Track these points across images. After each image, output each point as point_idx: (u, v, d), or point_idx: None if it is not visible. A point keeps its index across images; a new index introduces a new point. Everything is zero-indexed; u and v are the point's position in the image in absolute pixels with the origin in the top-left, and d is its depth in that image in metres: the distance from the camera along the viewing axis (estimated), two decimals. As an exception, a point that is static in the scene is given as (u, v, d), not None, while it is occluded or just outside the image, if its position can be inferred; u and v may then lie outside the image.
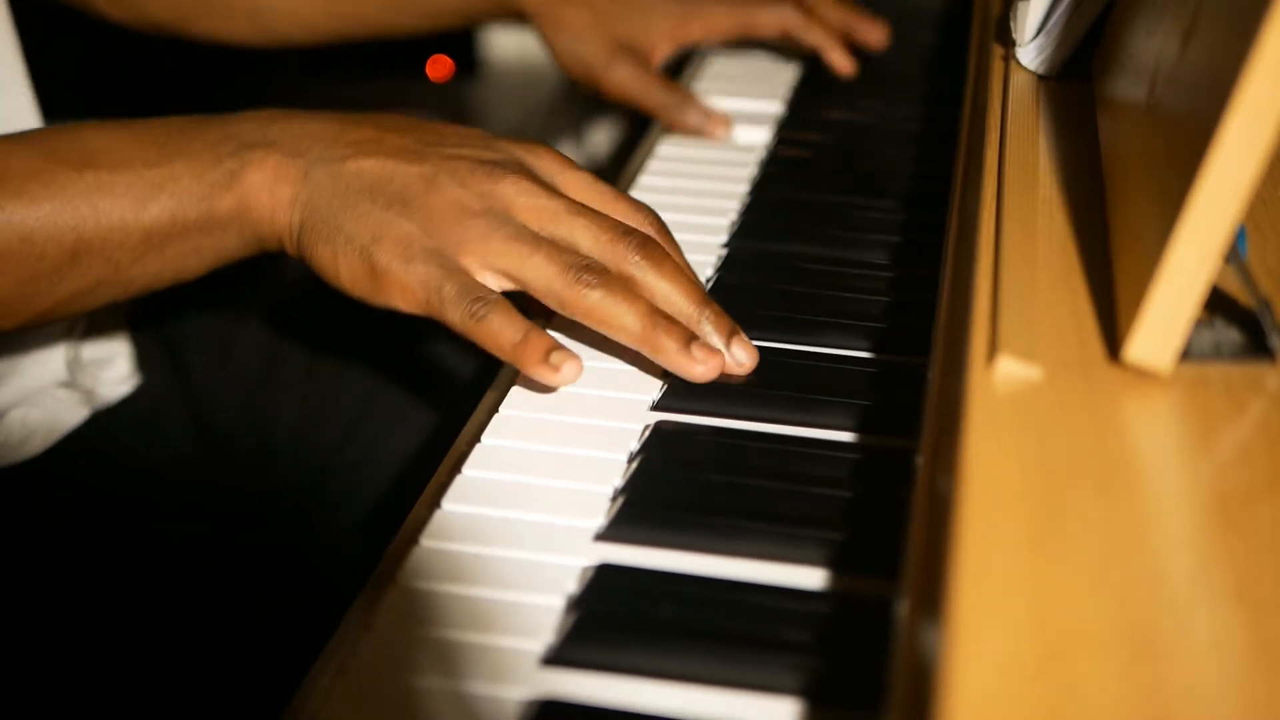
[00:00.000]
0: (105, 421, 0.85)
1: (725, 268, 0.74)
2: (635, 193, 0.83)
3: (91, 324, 0.84)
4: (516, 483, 0.56)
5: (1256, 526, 0.39)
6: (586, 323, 0.61)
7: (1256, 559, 0.38)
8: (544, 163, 0.66)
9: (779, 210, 0.81)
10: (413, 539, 0.53)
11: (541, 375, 0.60)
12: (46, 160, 0.62)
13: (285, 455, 0.90)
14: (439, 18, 0.98)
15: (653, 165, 0.87)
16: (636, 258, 0.61)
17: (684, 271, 0.63)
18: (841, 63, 0.98)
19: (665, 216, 0.79)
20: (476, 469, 0.57)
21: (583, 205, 0.63)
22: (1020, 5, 0.74)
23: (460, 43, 1.83)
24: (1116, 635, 0.35)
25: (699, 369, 0.60)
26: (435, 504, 0.55)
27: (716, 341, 0.61)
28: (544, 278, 0.60)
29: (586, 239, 0.62)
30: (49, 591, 0.76)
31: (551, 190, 0.63)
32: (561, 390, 0.62)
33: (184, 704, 0.73)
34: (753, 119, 0.95)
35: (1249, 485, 0.41)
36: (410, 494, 0.59)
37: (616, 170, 0.96)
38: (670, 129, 0.93)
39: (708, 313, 0.61)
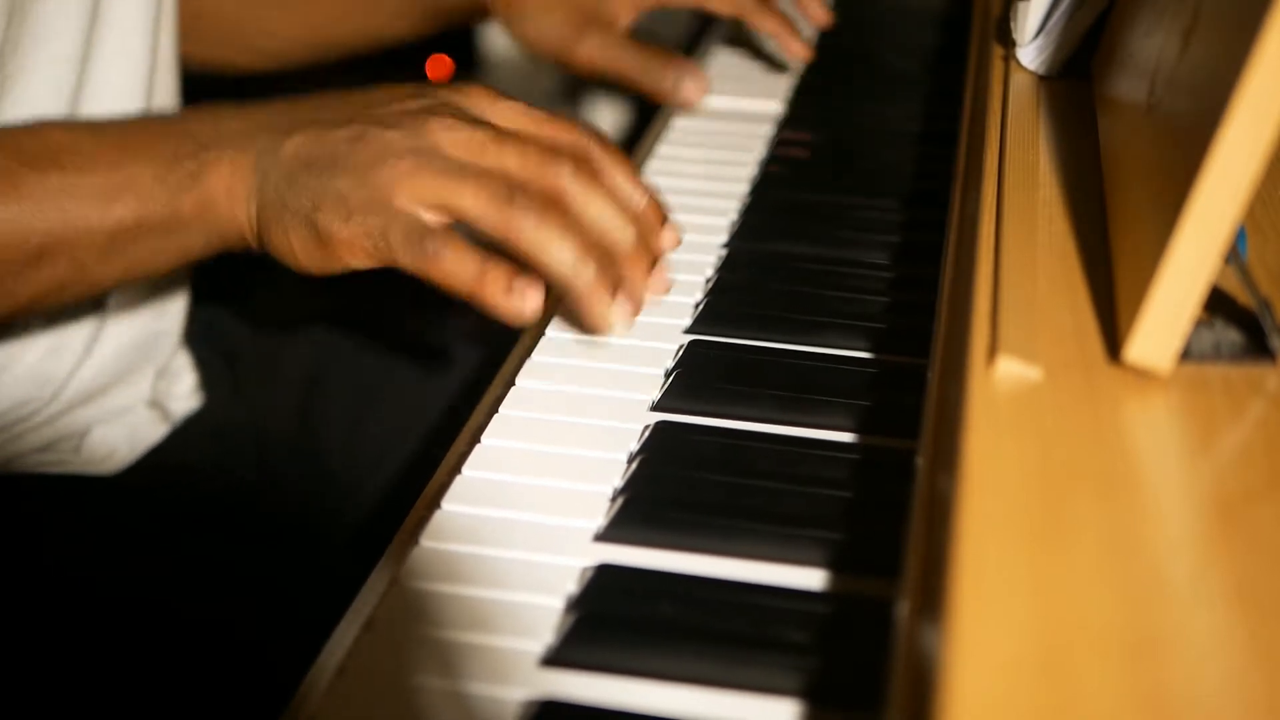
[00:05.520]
0: (179, 438, 0.86)
1: (725, 268, 0.74)
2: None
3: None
4: (516, 483, 0.56)
5: (1256, 527, 0.39)
6: (520, 250, 0.60)
7: (1256, 559, 0.38)
8: (474, 100, 0.65)
9: (779, 210, 0.81)
10: (413, 539, 0.53)
11: (508, 306, 0.59)
12: (12, 161, 0.62)
13: (304, 462, 0.90)
14: (404, 18, 0.96)
15: (652, 165, 0.87)
16: (568, 169, 0.61)
17: (617, 191, 0.63)
18: (796, 49, 0.95)
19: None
20: (476, 469, 0.57)
21: (510, 132, 0.63)
22: (1020, 5, 0.74)
23: (460, 42, 1.83)
24: (1117, 635, 0.35)
25: (614, 320, 0.61)
26: (435, 504, 0.55)
27: (637, 272, 0.62)
28: (478, 204, 0.59)
29: (514, 162, 0.61)
30: (115, 601, 0.76)
31: (478, 122, 0.63)
32: (561, 390, 0.62)
33: (181, 705, 0.73)
34: (753, 119, 0.95)
35: (1249, 486, 0.41)
36: (410, 495, 0.59)
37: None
38: (649, 97, 0.92)
39: (634, 233, 0.62)
